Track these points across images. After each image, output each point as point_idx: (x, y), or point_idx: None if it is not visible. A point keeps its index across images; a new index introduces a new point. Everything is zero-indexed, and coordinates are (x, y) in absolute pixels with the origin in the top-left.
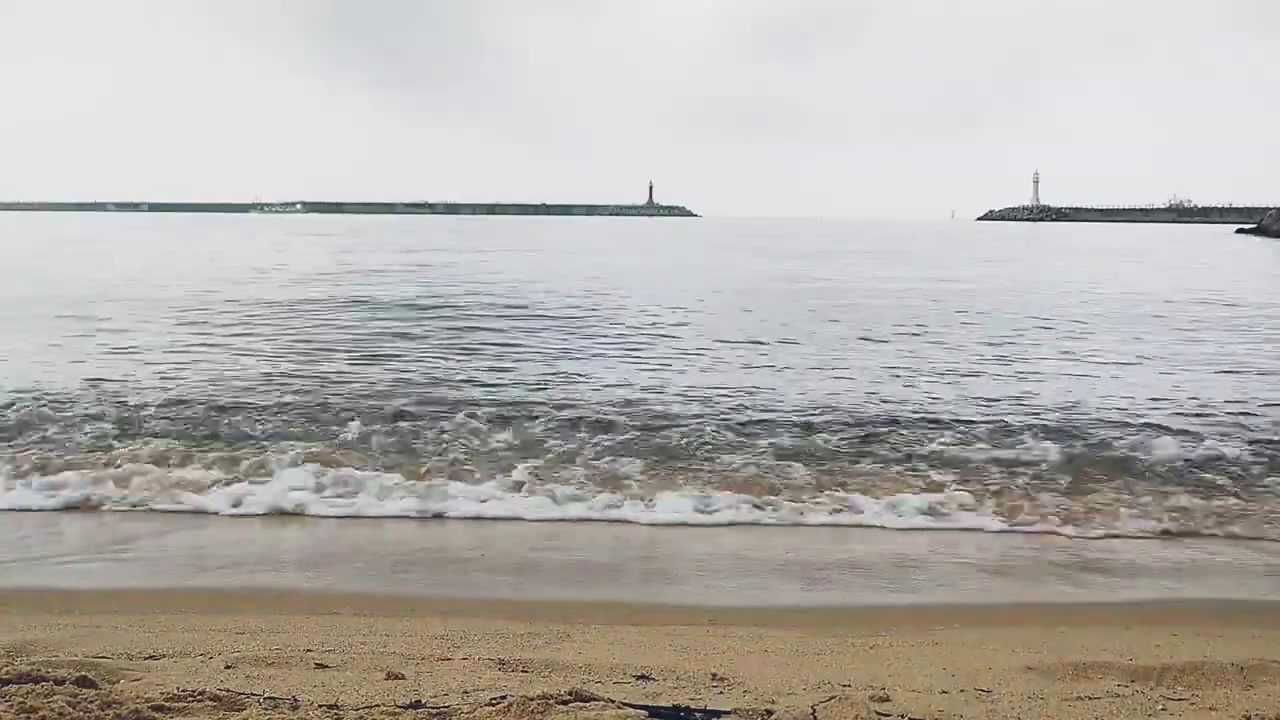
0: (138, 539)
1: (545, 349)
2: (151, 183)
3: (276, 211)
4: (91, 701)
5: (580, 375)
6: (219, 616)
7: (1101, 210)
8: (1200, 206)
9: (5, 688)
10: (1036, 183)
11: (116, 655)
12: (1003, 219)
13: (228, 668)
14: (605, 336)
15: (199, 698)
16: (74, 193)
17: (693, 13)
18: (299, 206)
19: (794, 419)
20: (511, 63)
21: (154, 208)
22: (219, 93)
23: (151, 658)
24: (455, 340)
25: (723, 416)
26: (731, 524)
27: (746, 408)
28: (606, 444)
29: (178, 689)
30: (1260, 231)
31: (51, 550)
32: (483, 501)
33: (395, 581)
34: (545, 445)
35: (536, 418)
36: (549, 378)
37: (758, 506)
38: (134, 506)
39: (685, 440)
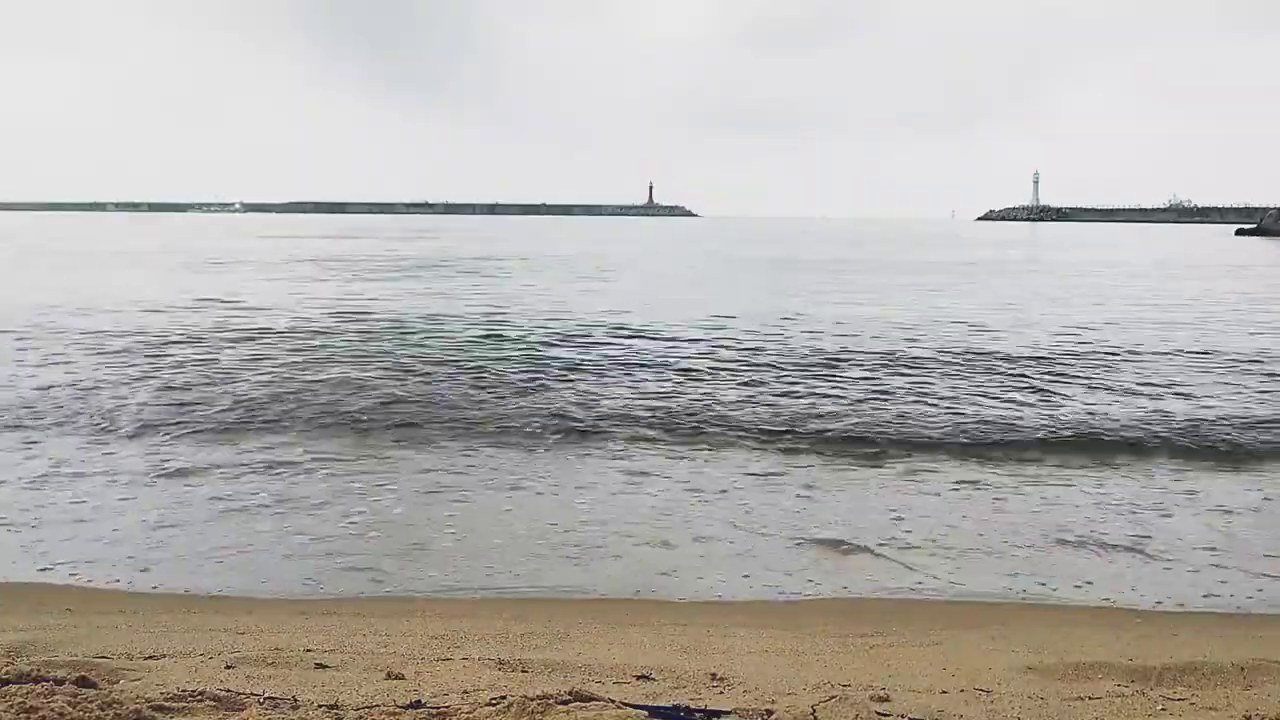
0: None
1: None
2: (151, 183)
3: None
4: (91, 701)
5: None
6: (219, 616)
7: (1101, 210)
8: (1200, 206)
9: (5, 688)
10: (1036, 183)
11: (116, 655)
12: (1003, 219)
13: (228, 668)
14: None
15: (199, 698)
16: (74, 193)
17: (693, 12)
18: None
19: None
20: (511, 62)
21: (153, 207)
22: (220, 93)
23: (151, 658)
24: None
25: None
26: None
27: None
28: None
29: (178, 689)
30: (1260, 232)
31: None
32: None
33: (395, 581)
34: None
35: None
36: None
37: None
38: None
39: None
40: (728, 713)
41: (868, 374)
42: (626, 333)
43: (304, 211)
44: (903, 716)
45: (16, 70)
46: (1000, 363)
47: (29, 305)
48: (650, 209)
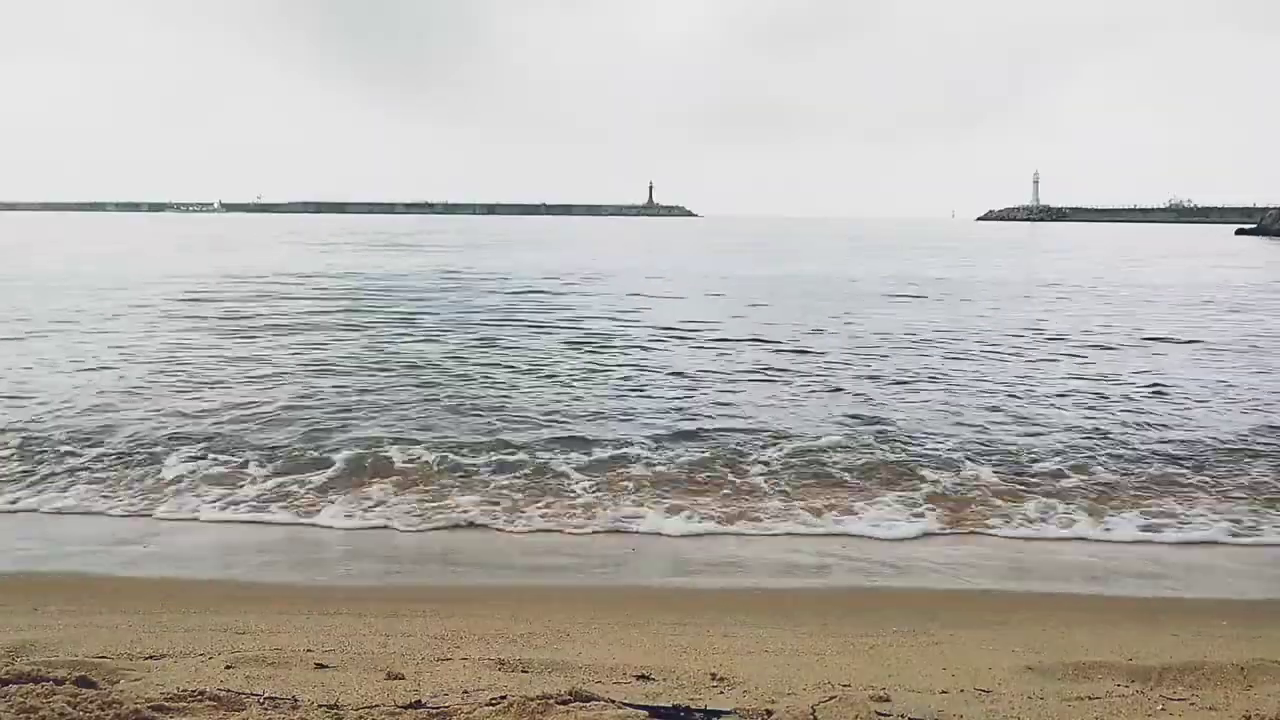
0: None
1: None
2: (151, 183)
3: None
4: (91, 701)
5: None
6: (219, 616)
7: (1101, 210)
8: (1200, 206)
9: (5, 688)
10: (1036, 183)
11: (116, 655)
12: (1002, 219)
13: (228, 668)
14: None
15: (199, 698)
16: (74, 193)
17: (693, 12)
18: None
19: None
20: (510, 62)
21: (153, 207)
22: (220, 93)
23: (151, 658)
24: None
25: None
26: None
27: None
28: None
29: (178, 689)
30: (1261, 231)
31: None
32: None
33: (395, 581)
34: None
35: None
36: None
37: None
38: None
39: None
40: (728, 713)
41: None
42: None
43: (306, 211)
44: (903, 716)
45: (16, 70)
46: None
47: None
48: (650, 209)
